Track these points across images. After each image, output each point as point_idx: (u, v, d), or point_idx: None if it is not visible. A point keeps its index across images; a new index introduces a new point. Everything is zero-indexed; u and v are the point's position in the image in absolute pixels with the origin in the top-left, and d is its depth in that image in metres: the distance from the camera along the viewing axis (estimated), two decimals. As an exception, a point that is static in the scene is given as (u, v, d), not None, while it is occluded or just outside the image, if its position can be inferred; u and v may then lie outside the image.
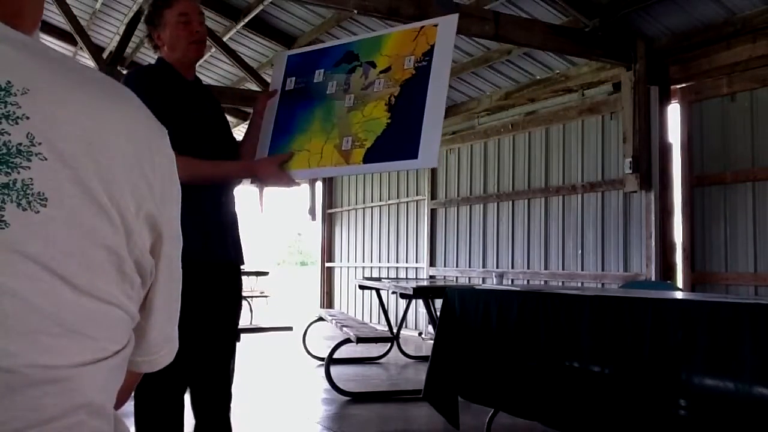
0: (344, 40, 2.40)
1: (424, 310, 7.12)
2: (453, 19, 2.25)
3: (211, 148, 2.21)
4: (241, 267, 2.41)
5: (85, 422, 0.79)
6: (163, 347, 0.97)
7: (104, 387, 0.81)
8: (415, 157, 2.11)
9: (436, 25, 2.21)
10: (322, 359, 5.90)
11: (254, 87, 7.89)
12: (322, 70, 2.35)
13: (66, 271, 0.75)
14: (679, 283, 5.42)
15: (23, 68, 0.77)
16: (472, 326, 3.11)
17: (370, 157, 2.16)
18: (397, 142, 2.14)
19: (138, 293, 0.86)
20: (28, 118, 0.74)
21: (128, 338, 0.87)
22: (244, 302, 2.45)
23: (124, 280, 0.82)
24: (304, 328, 7.22)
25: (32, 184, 0.73)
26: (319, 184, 11.30)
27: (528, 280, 6.84)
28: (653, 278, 5.43)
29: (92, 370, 0.79)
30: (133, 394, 2.21)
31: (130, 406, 4.36)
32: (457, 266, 7.99)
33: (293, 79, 2.40)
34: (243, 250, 2.38)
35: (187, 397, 2.30)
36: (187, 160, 2.12)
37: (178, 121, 2.10)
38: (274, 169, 2.24)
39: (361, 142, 2.19)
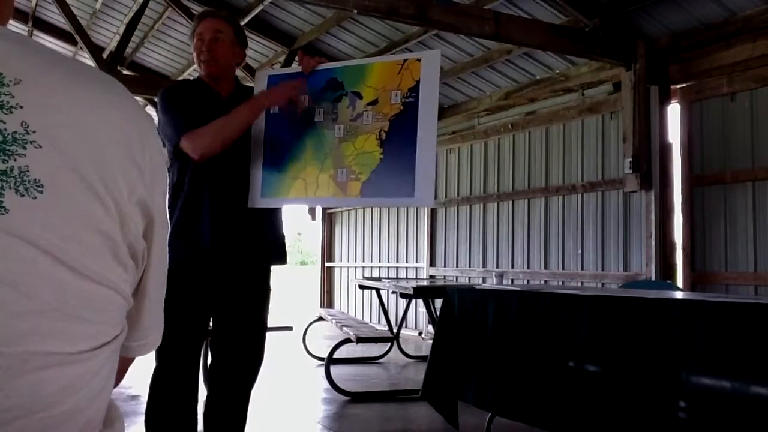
0: (327, 65, 2.40)
1: (424, 310, 7.12)
2: (436, 55, 2.31)
3: (223, 155, 2.27)
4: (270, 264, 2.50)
5: (83, 409, 0.80)
6: (155, 330, 0.99)
7: (101, 373, 0.83)
8: (412, 195, 2.17)
9: (419, 60, 2.25)
10: (322, 359, 5.90)
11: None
12: (307, 96, 2.37)
13: (65, 254, 0.76)
14: (679, 283, 5.42)
15: (14, 59, 0.78)
16: (471, 326, 3.11)
17: (367, 191, 2.23)
18: (392, 178, 2.20)
19: (132, 277, 0.88)
20: (21, 107, 0.75)
21: (124, 323, 0.88)
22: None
23: (119, 263, 0.84)
24: (304, 328, 7.22)
25: (28, 171, 0.75)
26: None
27: (528, 280, 6.84)
28: (653, 278, 5.43)
29: (91, 356, 0.80)
30: (149, 383, 2.27)
31: (131, 405, 4.32)
32: (457, 266, 7.99)
33: None
34: (271, 248, 2.46)
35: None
36: (201, 131, 2.23)
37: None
38: (282, 88, 2.32)
39: (357, 175, 2.24)
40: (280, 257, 2.49)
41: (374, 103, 2.26)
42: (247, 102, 2.32)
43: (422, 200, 2.20)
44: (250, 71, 7.96)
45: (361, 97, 2.28)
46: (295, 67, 2.43)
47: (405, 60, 2.27)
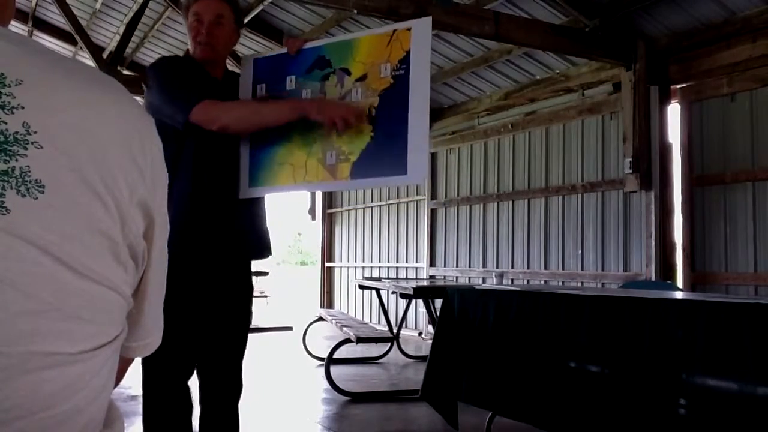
0: (313, 44, 2.26)
1: (424, 310, 7.12)
2: (426, 23, 2.14)
3: (218, 145, 2.19)
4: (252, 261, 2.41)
5: (83, 409, 0.80)
6: (155, 331, 0.99)
7: (102, 374, 0.83)
8: (404, 173, 2.04)
9: (409, 29, 2.10)
10: (322, 359, 5.90)
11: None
12: (294, 77, 2.24)
13: (66, 255, 0.77)
14: (679, 283, 5.42)
15: (16, 60, 0.78)
16: (471, 326, 3.11)
17: (357, 172, 2.09)
18: (383, 156, 2.07)
19: (132, 277, 0.88)
20: (23, 107, 0.76)
21: (124, 323, 0.89)
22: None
23: (119, 264, 0.84)
24: (304, 328, 7.22)
25: (30, 172, 0.75)
26: (319, 184, 11.29)
27: (528, 280, 6.84)
28: (653, 278, 5.43)
29: (92, 356, 0.80)
30: (141, 386, 2.22)
31: (131, 405, 4.31)
32: (457, 266, 8.00)
33: (263, 86, 2.29)
34: (257, 244, 2.35)
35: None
36: (233, 103, 2.12)
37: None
38: (339, 108, 2.11)
39: (346, 156, 2.11)
40: (266, 250, 2.38)
41: (363, 78, 2.13)
42: (292, 103, 2.19)
43: (415, 177, 2.07)
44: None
45: (349, 74, 2.16)
46: (281, 49, 2.30)
47: (394, 30, 2.13)
